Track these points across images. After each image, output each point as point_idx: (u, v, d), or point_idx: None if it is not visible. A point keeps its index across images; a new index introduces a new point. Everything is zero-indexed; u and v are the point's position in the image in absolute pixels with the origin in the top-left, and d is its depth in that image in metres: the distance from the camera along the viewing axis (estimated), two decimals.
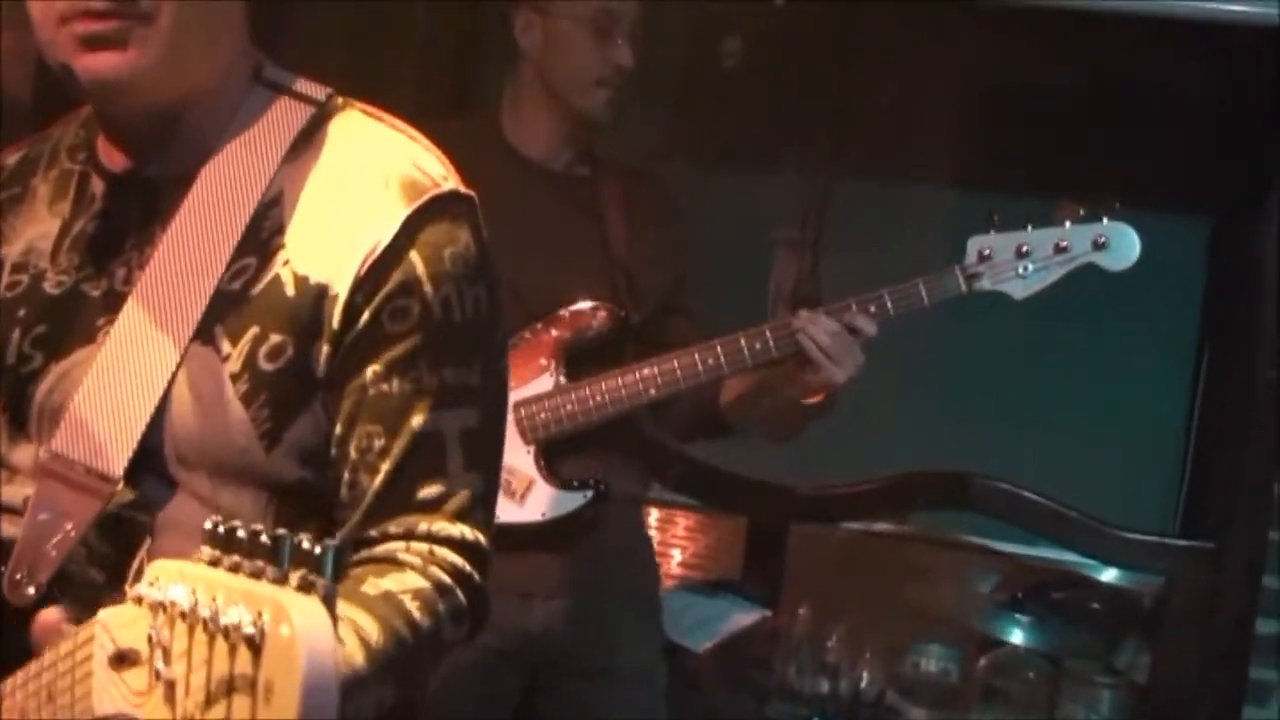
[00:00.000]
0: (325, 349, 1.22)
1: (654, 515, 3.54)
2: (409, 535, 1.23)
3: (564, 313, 2.34)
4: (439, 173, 1.27)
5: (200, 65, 1.25)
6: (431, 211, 1.24)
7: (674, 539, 3.63)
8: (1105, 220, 2.31)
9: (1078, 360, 3.30)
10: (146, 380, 1.21)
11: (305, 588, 0.81)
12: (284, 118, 1.28)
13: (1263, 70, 2.97)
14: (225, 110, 1.28)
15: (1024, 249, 2.30)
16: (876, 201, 3.47)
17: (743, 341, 2.27)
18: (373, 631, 1.13)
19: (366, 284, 1.21)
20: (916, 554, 3.38)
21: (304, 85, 1.32)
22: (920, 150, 3.47)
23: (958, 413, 3.32)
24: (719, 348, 2.28)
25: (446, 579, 1.22)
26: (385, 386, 1.22)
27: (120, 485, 1.19)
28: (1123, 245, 2.32)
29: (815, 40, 3.33)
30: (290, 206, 1.24)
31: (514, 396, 2.33)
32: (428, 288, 1.22)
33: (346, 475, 1.23)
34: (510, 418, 2.31)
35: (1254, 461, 3.00)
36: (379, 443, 1.22)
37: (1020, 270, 2.30)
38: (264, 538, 0.83)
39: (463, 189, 1.28)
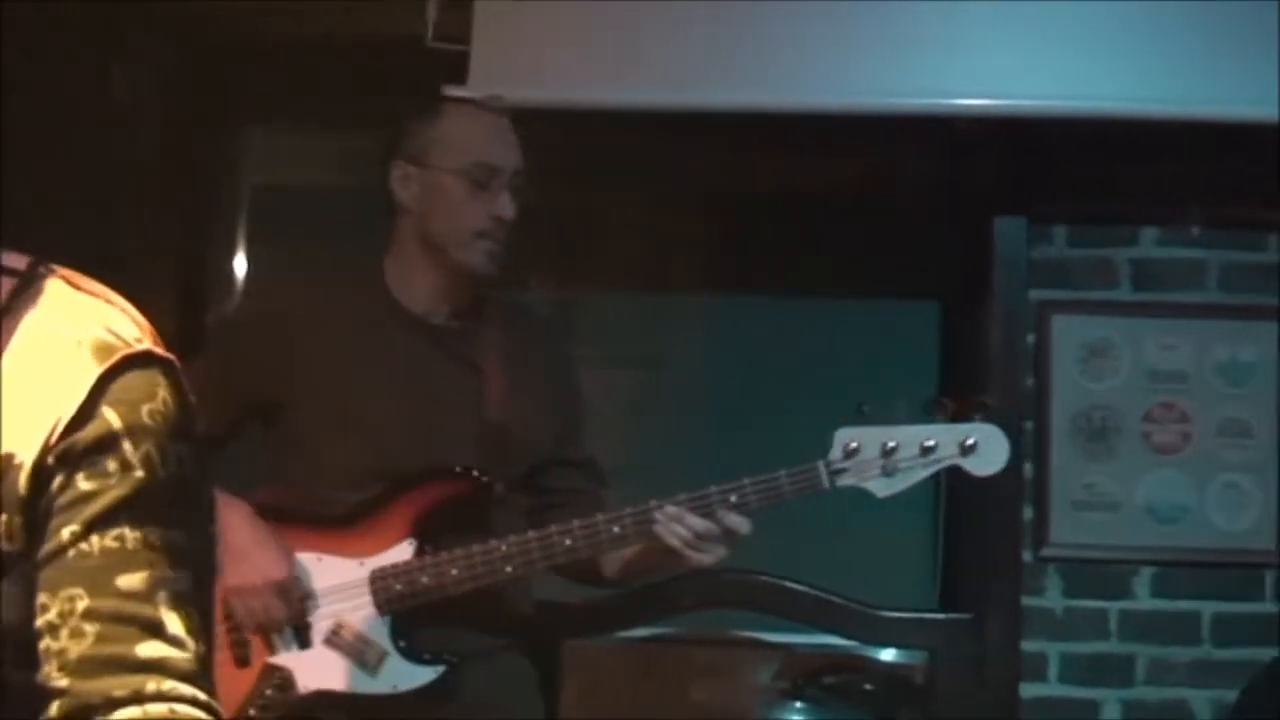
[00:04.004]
0: (16, 520, 1.17)
1: None
2: (138, 698, 1.16)
3: (425, 479, 2.30)
4: (132, 334, 1.23)
5: None
6: (124, 370, 1.20)
7: None
8: (974, 421, 2.25)
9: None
10: None
11: None
12: None
13: (981, 157, 3.13)
14: None
15: (890, 446, 2.23)
16: (626, 313, 3.51)
17: (601, 524, 2.25)
18: None
19: (58, 446, 1.17)
20: (692, 655, 3.39)
21: (5, 258, 1.26)
22: (666, 260, 3.53)
23: None
24: (576, 529, 2.25)
25: None
26: (85, 546, 1.17)
27: None
28: (990, 449, 2.25)
29: (552, 160, 3.38)
30: None
31: (370, 564, 2.29)
32: (126, 443, 1.18)
33: (52, 644, 1.17)
34: (367, 586, 2.28)
35: (1001, 532, 3.12)
36: (83, 604, 1.16)
37: (885, 468, 2.24)
38: None
39: (158, 350, 1.24)
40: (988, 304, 3.10)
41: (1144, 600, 3.15)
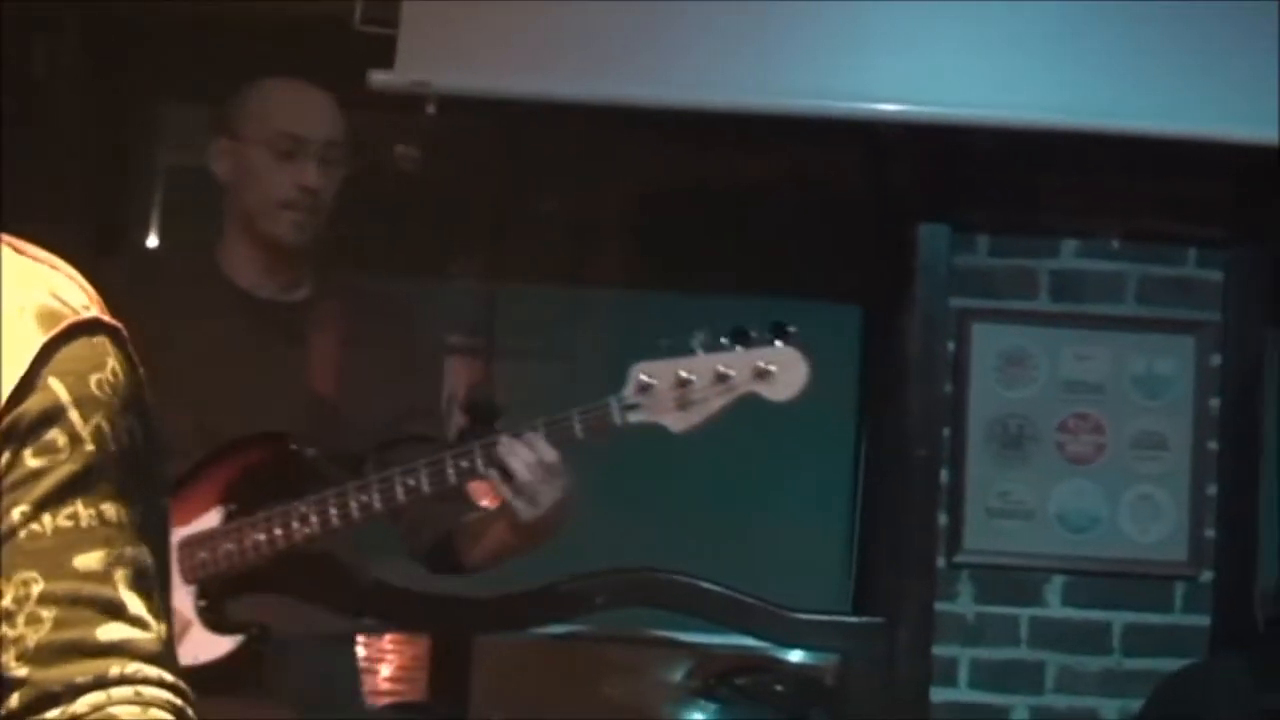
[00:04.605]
0: None
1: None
2: (102, 683, 1.11)
3: (235, 446, 2.26)
4: (80, 301, 1.18)
5: None
6: (71, 338, 1.15)
7: (365, 664, 3.51)
8: (771, 346, 2.13)
9: (743, 450, 3.38)
10: None
11: None
12: None
13: (907, 163, 3.15)
14: None
15: (684, 378, 2.13)
16: (549, 306, 3.50)
17: (396, 478, 2.21)
18: None
19: (1, 421, 1.12)
20: (604, 653, 3.38)
21: None
22: (588, 253, 3.52)
23: (633, 511, 3.35)
24: (373, 484, 2.22)
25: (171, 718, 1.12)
26: (36, 527, 1.12)
27: None
28: (788, 374, 2.13)
29: (478, 146, 3.36)
30: None
31: (181, 533, 2.24)
32: (74, 415, 1.13)
33: (9, 631, 1.11)
34: (175, 555, 2.21)
35: (916, 537, 3.13)
36: (38, 588, 1.11)
37: (679, 401, 2.14)
38: None
39: (106, 318, 1.19)
40: (909, 310, 3.12)
41: (1055, 608, 3.18)
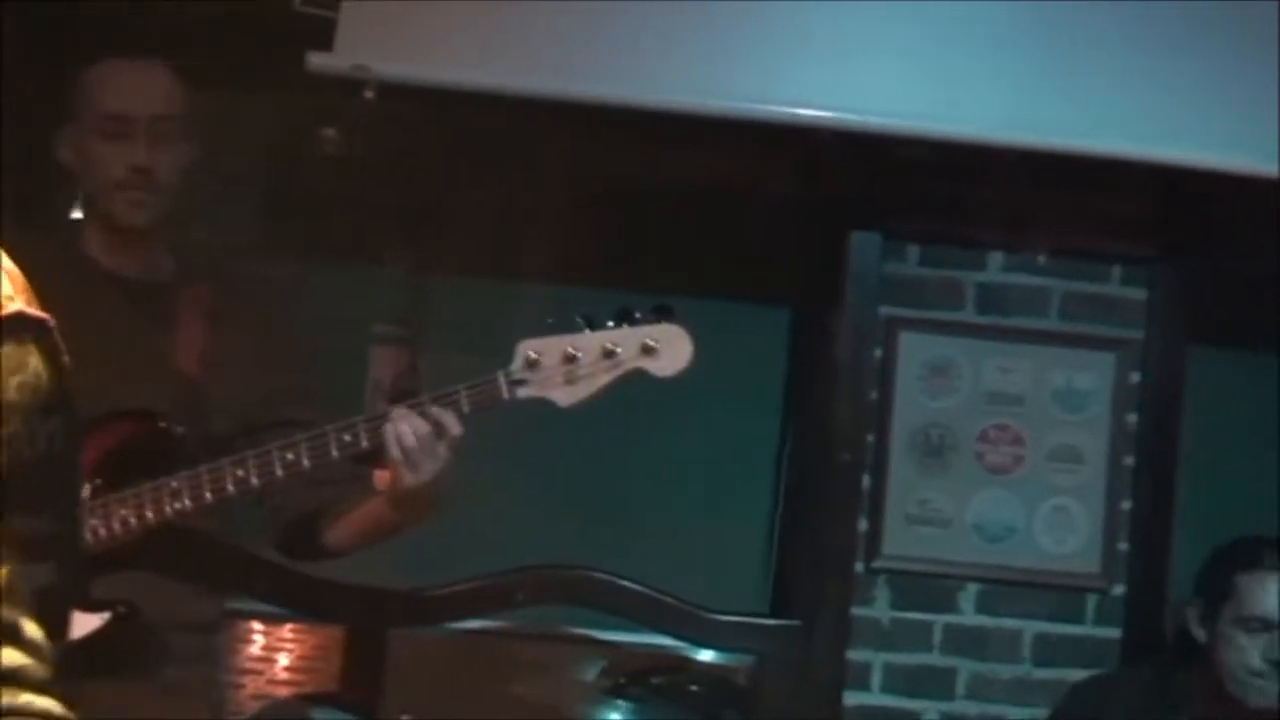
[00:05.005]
0: None
1: (240, 628, 3.38)
2: None
3: (100, 423, 2.21)
4: (4, 293, 1.13)
5: None
6: None
7: (264, 651, 3.48)
8: (656, 324, 2.20)
9: (667, 448, 3.39)
10: None
11: None
12: None
13: (840, 171, 3.16)
14: None
15: (572, 353, 2.19)
16: (478, 297, 3.48)
17: (274, 452, 2.20)
18: None
19: None
20: (520, 650, 3.37)
21: None
22: (520, 248, 3.50)
23: (555, 507, 3.34)
24: (249, 458, 2.20)
25: None
26: None
27: None
28: (673, 350, 2.20)
29: (413, 135, 3.33)
30: None
31: None
32: None
33: None
34: None
35: (836, 541, 3.15)
36: None
37: (567, 377, 2.19)
38: None
39: (31, 310, 1.14)
40: (839, 316, 3.13)
41: (969, 616, 3.21)
